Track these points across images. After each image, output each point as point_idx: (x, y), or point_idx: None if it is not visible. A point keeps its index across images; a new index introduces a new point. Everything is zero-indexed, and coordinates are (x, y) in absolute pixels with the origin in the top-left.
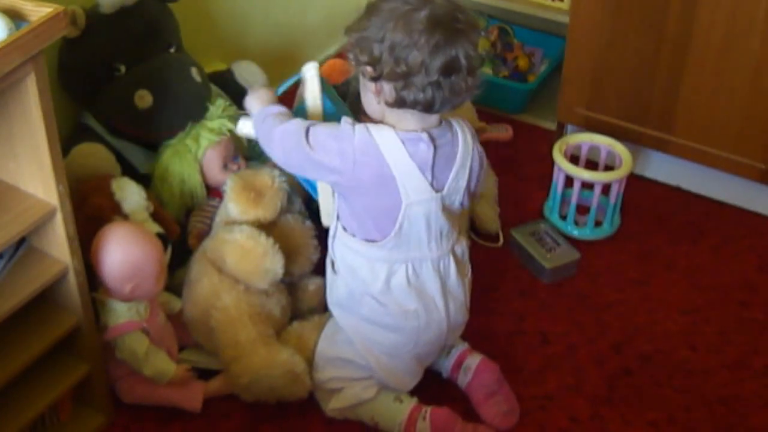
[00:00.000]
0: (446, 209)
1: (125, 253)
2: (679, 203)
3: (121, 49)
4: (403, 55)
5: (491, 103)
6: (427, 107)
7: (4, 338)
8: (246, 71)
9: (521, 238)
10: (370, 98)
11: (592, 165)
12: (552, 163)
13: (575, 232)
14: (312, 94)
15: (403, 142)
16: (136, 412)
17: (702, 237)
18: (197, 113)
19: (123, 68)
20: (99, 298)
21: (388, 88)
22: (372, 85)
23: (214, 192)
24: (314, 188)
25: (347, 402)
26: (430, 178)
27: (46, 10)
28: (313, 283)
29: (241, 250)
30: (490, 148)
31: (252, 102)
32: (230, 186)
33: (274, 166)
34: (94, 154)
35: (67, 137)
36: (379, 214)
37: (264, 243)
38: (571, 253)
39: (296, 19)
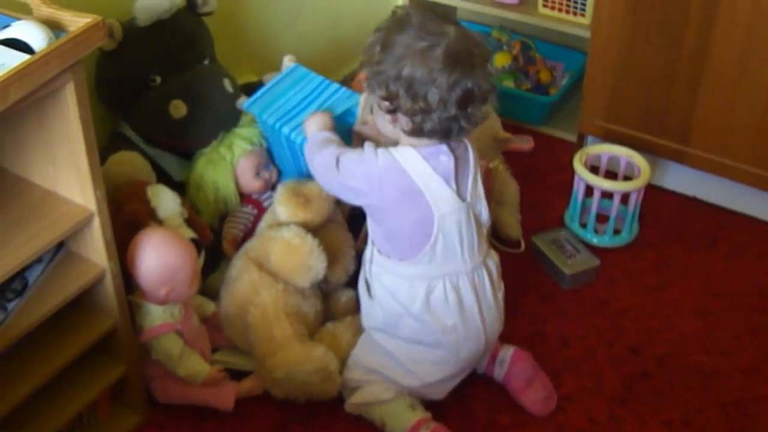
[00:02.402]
0: (475, 220)
1: (160, 257)
2: (695, 213)
3: (157, 61)
4: (422, 92)
5: (514, 115)
6: (444, 136)
7: (44, 340)
8: None
9: (542, 245)
10: (386, 124)
11: (611, 175)
12: (572, 172)
13: (595, 240)
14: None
15: (425, 158)
16: (171, 412)
17: (716, 245)
18: (230, 123)
19: (158, 79)
20: (135, 301)
21: (405, 119)
22: (388, 116)
23: (246, 199)
24: None
25: (365, 399)
26: (455, 187)
27: (85, 20)
28: (344, 296)
29: (287, 246)
30: (512, 158)
31: (307, 125)
32: (279, 191)
33: None
34: (130, 162)
35: (104, 146)
36: (412, 230)
37: (310, 242)
38: (590, 259)
39: (326, 32)
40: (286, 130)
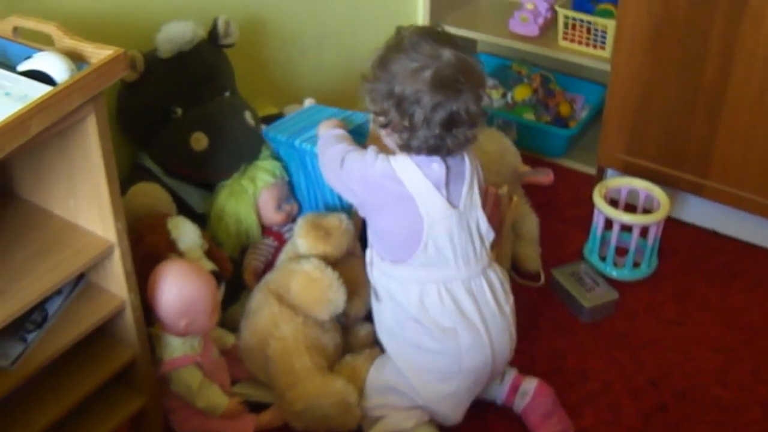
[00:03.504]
0: (469, 229)
1: (180, 289)
2: (714, 246)
3: (178, 93)
4: (409, 111)
5: (533, 148)
6: (432, 152)
7: (64, 370)
8: None
9: (562, 278)
10: (384, 136)
11: (630, 208)
12: (592, 206)
13: (614, 273)
14: None
15: (417, 165)
16: None
17: (735, 279)
18: (250, 156)
19: (180, 111)
20: (154, 333)
21: (395, 134)
22: (382, 129)
23: (267, 231)
24: None
25: (386, 429)
26: (445, 194)
27: (107, 52)
28: (363, 329)
29: (307, 279)
30: (532, 191)
31: (320, 128)
32: (299, 224)
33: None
34: (150, 194)
35: (125, 177)
36: (403, 233)
37: (330, 275)
38: (609, 293)
39: (345, 66)
40: (297, 142)
